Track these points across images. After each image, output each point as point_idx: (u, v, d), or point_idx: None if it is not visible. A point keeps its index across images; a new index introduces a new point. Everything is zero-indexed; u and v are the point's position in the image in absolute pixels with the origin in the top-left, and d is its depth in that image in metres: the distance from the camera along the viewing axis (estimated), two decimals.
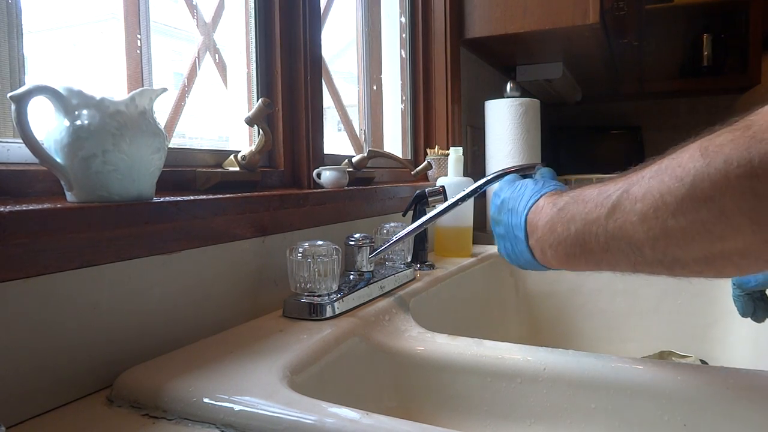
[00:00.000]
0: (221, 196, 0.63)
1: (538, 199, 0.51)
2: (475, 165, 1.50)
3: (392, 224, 0.84)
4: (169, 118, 0.80)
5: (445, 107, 1.37)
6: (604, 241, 0.43)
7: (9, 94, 0.44)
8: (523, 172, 0.63)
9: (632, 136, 2.54)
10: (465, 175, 1.08)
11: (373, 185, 1.01)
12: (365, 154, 1.00)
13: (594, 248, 0.44)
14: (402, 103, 1.37)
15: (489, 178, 0.65)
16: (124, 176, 0.50)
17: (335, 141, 1.21)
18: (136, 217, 0.50)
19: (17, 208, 0.41)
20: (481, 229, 1.26)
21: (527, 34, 1.33)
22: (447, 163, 1.09)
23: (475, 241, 1.14)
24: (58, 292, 0.45)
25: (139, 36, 0.71)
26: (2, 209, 0.40)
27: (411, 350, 0.60)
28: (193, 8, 0.84)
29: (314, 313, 0.63)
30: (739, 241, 0.35)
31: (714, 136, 0.36)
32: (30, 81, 0.51)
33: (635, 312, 1.04)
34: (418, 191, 0.89)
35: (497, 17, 1.35)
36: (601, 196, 0.43)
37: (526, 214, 0.52)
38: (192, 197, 0.58)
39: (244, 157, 0.74)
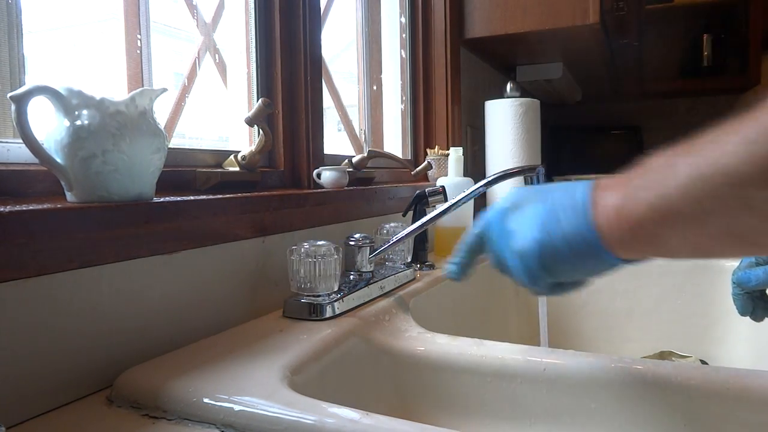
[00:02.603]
0: (221, 196, 0.63)
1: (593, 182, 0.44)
2: (475, 165, 1.50)
3: (392, 224, 0.84)
4: (169, 118, 0.80)
5: (445, 107, 1.37)
6: (683, 181, 0.35)
7: (9, 94, 0.44)
8: (524, 173, 0.63)
9: (632, 136, 2.54)
10: (465, 175, 1.08)
11: (373, 185, 1.01)
12: (365, 154, 1.00)
13: (670, 184, 0.36)
14: (402, 103, 1.37)
15: (490, 179, 0.65)
16: (124, 176, 0.50)
17: (335, 141, 1.21)
18: (136, 217, 0.50)
19: (17, 208, 0.41)
20: None
21: (527, 34, 1.33)
22: (447, 163, 1.09)
23: None
24: (58, 292, 0.45)
25: (139, 36, 0.71)
26: (2, 209, 0.40)
27: (411, 350, 0.60)
28: (193, 8, 0.84)
29: (314, 313, 0.63)
30: None
31: None
32: (30, 81, 0.51)
33: (635, 312, 1.04)
34: (418, 191, 0.89)
35: (497, 17, 1.35)
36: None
37: (592, 184, 0.43)
38: (192, 197, 0.58)
39: (244, 157, 0.74)
